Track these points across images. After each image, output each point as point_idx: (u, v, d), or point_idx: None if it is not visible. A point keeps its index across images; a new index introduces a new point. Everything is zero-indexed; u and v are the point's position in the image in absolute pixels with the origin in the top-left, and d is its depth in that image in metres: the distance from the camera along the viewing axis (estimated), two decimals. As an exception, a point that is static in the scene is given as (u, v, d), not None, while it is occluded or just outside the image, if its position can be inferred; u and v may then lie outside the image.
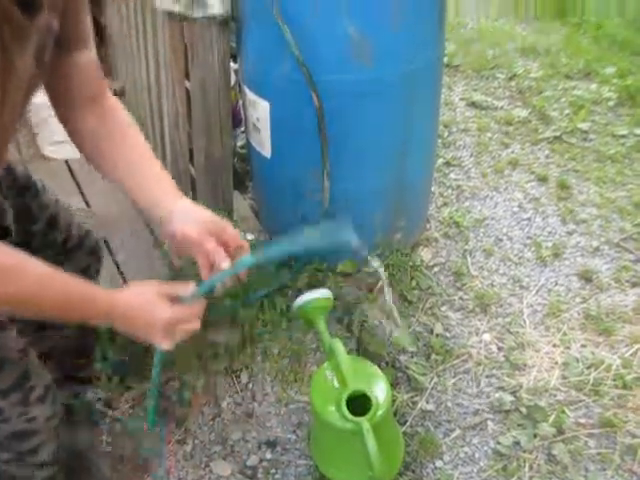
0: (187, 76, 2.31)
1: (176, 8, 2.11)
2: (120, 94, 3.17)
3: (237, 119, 2.78)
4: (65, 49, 1.14)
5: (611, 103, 3.83)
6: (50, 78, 1.15)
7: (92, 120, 1.24)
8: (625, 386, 2.08)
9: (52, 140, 3.11)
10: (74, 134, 1.27)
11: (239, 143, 2.97)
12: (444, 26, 2.12)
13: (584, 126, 3.54)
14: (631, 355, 2.19)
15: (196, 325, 1.19)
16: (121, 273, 2.42)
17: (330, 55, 1.88)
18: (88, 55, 1.20)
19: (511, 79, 4.05)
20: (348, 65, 1.89)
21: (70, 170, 3.03)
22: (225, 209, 2.55)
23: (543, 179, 3.09)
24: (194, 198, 2.60)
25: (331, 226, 1.11)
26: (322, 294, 1.75)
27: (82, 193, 2.88)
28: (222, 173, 2.50)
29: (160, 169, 1.26)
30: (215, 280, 1.19)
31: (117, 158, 1.24)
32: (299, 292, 2.20)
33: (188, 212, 1.21)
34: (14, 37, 0.93)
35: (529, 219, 2.84)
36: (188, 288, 1.19)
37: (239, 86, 2.40)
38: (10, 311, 1.15)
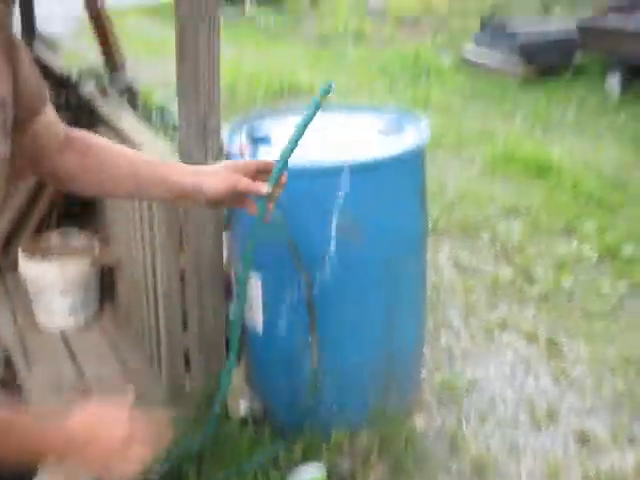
0: (181, 251, 2.41)
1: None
2: (116, 265, 3.26)
3: (229, 291, 2.86)
4: (28, 119, 1.13)
5: (593, 260, 3.95)
6: (18, 148, 1.11)
7: (74, 154, 1.24)
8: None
9: (48, 309, 3.17)
10: (69, 179, 1.26)
11: (231, 313, 3.03)
12: (426, 202, 2.25)
13: (568, 284, 3.64)
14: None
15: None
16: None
17: (319, 235, 1.98)
18: (48, 112, 1.19)
19: (495, 240, 4.19)
20: (336, 244, 1.98)
21: (65, 340, 3.07)
22: (218, 380, 2.56)
23: (532, 338, 3.14)
24: (187, 368, 2.62)
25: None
26: (315, 472, 1.74)
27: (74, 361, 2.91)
28: (215, 344, 2.54)
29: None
30: (276, 172, 1.28)
31: (119, 162, 1.25)
32: (293, 465, 2.17)
33: (206, 174, 1.26)
34: None
35: (521, 380, 2.86)
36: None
37: (231, 261, 2.49)
38: None
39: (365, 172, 1.97)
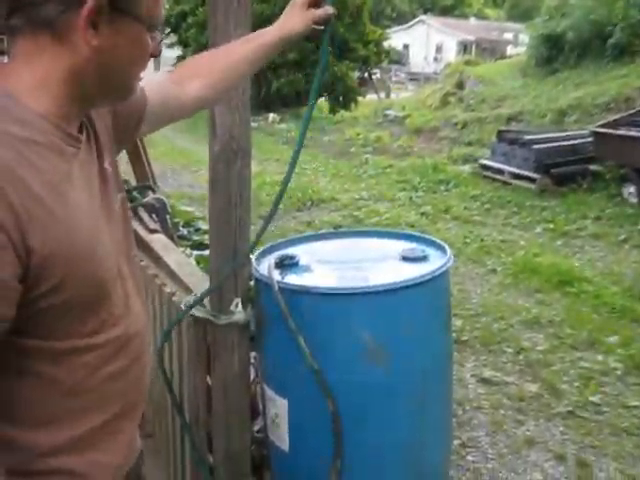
0: (208, 372, 2.45)
1: (202, 313, 2.30)
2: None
3: (255, 410, 2.87)
4: (142, 112, 1.40)
5: (619, 372, 3.92)
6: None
7: (188, 84, 1.48)
8: None
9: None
10: (202, 95, 1.52)
11: (256, 428, 3.03)
12: (450, 324, 2.29)
13: (595, 399, 3.60)
14: None
15: None
16: None
17: (345, 358, 2.02)
18: (149, 92, 1.41)
19: (519, 352, 4.19)
20: (362, 367, 2.01)
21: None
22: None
23: (561, 458, 3.09)
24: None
25: None
26: None
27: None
28: (240, 465, 2.53)
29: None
30: None
31: (219, 62, 1.55)
32: None
33: (285, 21, 1.62)
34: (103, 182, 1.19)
35: (551, 503, 2.80)
36: None
37: (258, 380, 2.52)
38: None
39: (389, 296, 2.02)
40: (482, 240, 6.75)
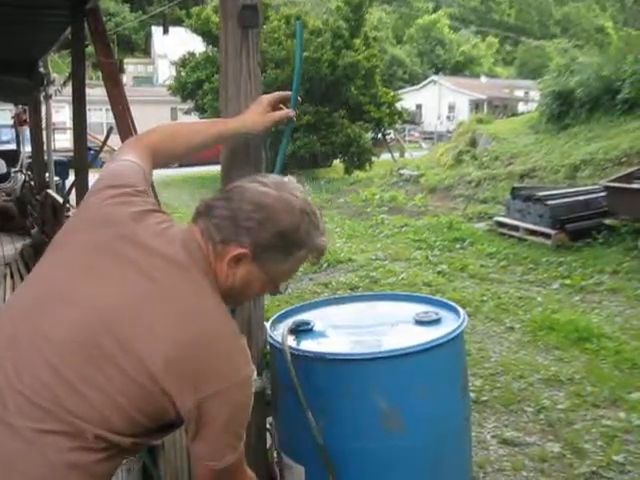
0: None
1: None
2: (159, 446, 3.29)
3: (273, 476, 2.86)
4: None
5: (643, 433, 3.86)
6: None
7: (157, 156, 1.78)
8: None
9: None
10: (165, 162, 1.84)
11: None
12: (467, 387, 2.29)
13: (619, 458, 3.54)
14: None
15: None
16: None
17: (361, 424, 2.03)
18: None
19: (539, 412, 4.14)
20: (378, 433, 2.02)
21: None
22: None
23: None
24: None
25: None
26: None
27: None
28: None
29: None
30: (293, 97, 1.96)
31: (180, 143, 1.85)
32: None
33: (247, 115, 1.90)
34: None
35: None
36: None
37: (274, 448, 2.52)
38: None
39: (403, 361, 2.04)
40: (499, 297, 6.73)
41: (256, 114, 1.87)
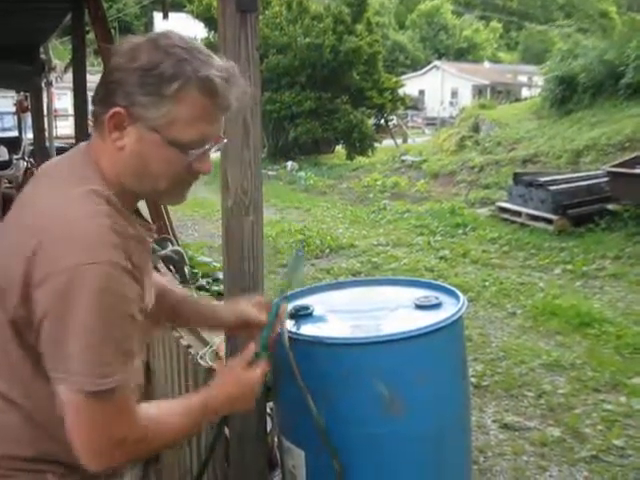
0: (226, 424, 2.47)
1: (218, 366, 2.33)
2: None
3: (274, 461, 2.87)
4: None
5: (642, 415, 3.87)
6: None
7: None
8: None
9: None
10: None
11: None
12: (467, 371, 2.30)
13: (619, 442, 3.56)
14: None
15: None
16: None
17: (360, 408, 2.03)
18: None
19: (540, 396, 4.15)
20: (378, 418, 2.02)
21: None
22: None
23: (585, 504, 3.05)
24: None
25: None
26: None
27: None
28: (261, 518, 2.53)
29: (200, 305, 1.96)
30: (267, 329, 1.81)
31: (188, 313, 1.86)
32: None
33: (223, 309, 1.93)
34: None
35: None
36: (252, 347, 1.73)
37: (275, 432, 2.53)
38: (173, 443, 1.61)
39: (403, 345, 2.04)
40: (501, 283, 6.74)
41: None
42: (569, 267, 7.29)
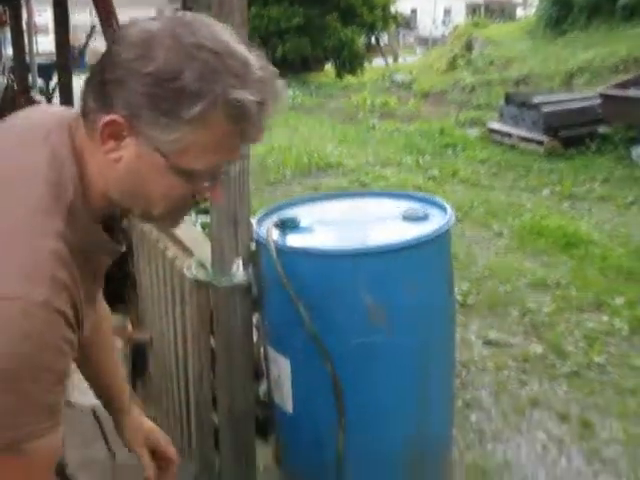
0: (212, 335, 2.47)
1: (203, 277, 2.31)
2: (147, 344, 3.32)
3: (259, 374, 2.89)
4: None
5: (624, 333, 3.92)
6: None
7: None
8: None
9: (81, 387, 3.21)
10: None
11: (261, 391, 3.05)
12: (452, 285, 2.29)
13: (600, 359, 3.61)
14: None
15: None
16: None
17: (346, 320, 2.02)
18: None
19: (524, 314, 4.19)
20: (363, 329, 2.02)
21: (96, 417, 3.09)
22: (247, 459, 2.57)
23: (564, 417, 3.11)
24: (217, 449, 2.63)
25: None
26: None
27: (106, 441, 2.92)
28: (245, 426, 2.55)
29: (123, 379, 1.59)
30: None
31: (103, 366, 1.53)
32: None
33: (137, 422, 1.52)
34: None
35: (554, 460, 2.82)
36: None
37: (261, 343, 2.54)
38: None
39: (389, 256, 2.02)
40: (489, 203, 6.72)
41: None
42: (558, 189, 7.26)
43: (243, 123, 0.97)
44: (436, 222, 2.19)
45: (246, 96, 0.94)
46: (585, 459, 2.82)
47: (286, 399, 2.28)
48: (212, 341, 2.51)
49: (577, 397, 3.28)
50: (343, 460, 2.09)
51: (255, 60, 0.98)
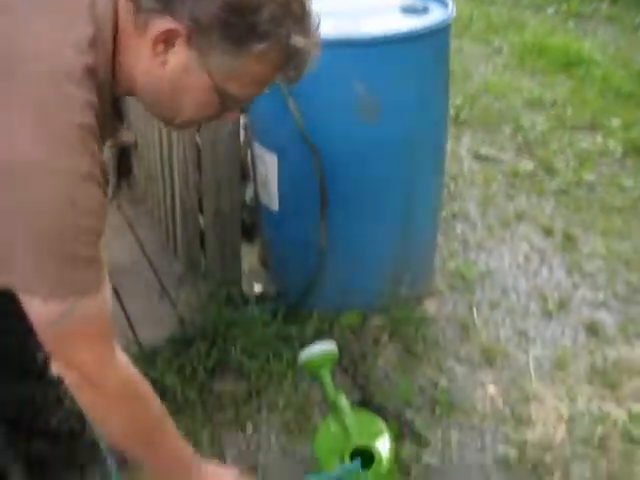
0: (198, 133, 2.38)
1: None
2: (133, 146, 3.25)
3: (246, 173, 2.84)
4: None
5: (617, 155, 3.87)
6: None
7: None
8: (632, 441, 2.06)
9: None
10: None
11: (248, 196, 3.02)
12: (448, 86, 2.18)
13: (590, 178, 3.58)
14: (638, 409, 2.17)
15: None
16: (128, 320, 2.45)
17: (337, 110, 1.94)
18: None
19: (517, 132, 4.10)
20: (354, 119, 1.95)
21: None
22: (233, 260, 2.58)
23: (549, 231, 3.12)
24: (203, 250, 2.64)
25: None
26: (328, 347, 1.77)
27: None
28: (231, 227, 2.54)
29: None
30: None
31: None
32: (305, 343, 2.21)
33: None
34: None
35: (535, 271, 2.86)
36: None
37: (248, 141, 2.46)
38: (118, 436, 1.17)
39: (385, 47, 1.90)
40: (490, 18, 6.41)
41: None
42: (564, 7, 6.90)
43: (292, 66, 1.05)
44: (436, 16, 2.06)
45: (305, 43, 1.02)
46: (566, 271, 2.86)
47: (272, 197, 2.26)
48: (197, 138, 2.43)
49: (563, 213, 3.28)
50: (325, 256, 2.10)
51: (312, 11, 1.06)
